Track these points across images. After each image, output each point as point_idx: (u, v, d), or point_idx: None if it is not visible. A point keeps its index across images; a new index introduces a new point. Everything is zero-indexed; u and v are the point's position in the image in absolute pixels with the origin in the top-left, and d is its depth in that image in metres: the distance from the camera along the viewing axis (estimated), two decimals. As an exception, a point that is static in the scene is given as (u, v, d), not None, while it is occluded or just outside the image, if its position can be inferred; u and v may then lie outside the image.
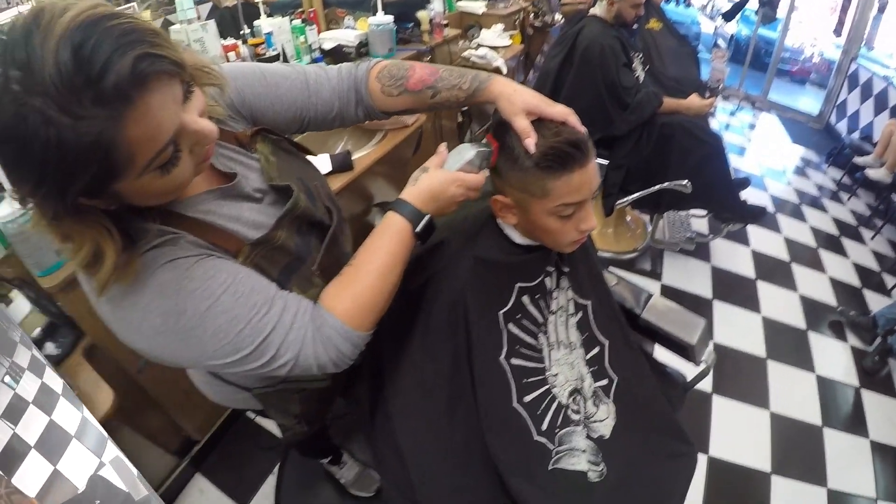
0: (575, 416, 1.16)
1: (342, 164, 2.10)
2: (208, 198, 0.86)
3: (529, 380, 1.13)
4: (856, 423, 2.64)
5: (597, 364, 1.24)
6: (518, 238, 1.13)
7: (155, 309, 0.73)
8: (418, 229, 0.95)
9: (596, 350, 1.25)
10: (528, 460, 1.09)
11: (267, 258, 0.87)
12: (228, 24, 3.09)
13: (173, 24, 2.41)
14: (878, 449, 2.52)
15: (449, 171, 0.97)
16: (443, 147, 1.01)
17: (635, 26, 2.82)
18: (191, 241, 0.79)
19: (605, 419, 1.21)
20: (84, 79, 0.55)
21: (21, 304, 1.46)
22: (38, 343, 1.44)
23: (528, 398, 1.12)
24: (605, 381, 1.24)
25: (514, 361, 1.11)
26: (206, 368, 0.98)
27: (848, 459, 2.44)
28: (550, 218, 1.00)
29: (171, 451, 1.94)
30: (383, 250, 0.92)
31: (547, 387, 1.15)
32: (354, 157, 2.18)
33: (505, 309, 1.11)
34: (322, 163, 2.03)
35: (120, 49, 0.57)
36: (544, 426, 1.13)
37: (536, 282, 1.15)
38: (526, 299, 1.14)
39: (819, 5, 7.28)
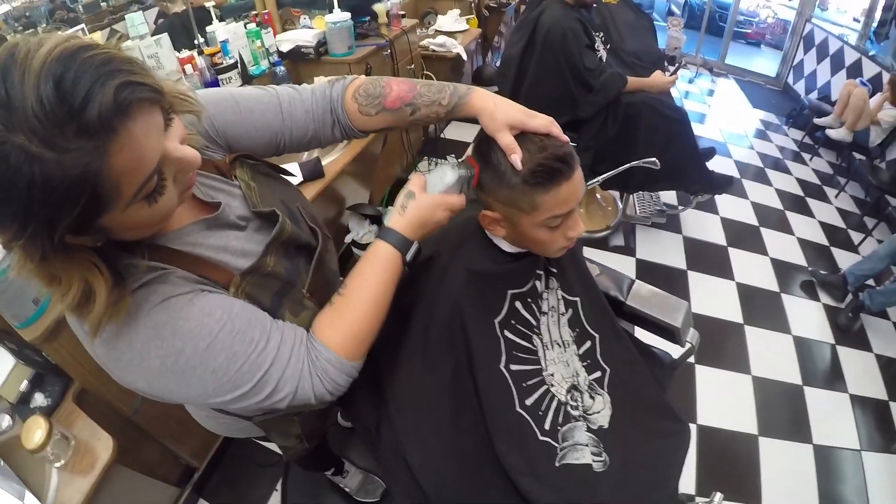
0: (574, 412, 1.18)
1: (313, 171, 2.08)
2: (194, 229, 0.85)
3: (528, 383, 1.14)
4: (834, 378, 2.74)
5: (589, 358, 1.26)
6: (507, 247, 1.14)
7: (152, 350, 0.72)
8: (408, 257, 0.95)
9: (588, 344, 1.27)
10: (536, 460, 1.11)
11: (258, 286, 0.86)
12: (179, 31, 2.99)
13: (124, 38, 2.35)
14: (858, 401, 2.62)
15: (435, 196, 0.97)
16: (422, 168, 1.00)
17: (595, 4, 2.81)
18: (181, 276, 0.78)
19: (601, 410, 1.22)
20: (67, 111, 0.54)
21: (3, 358, 1.42)
22: (27, 396, 1.41)
23: (529, 401, 1.13)
24: (598, 374, 1.26)
25: (513, 367, 1.13)
26: (207, 406, 0.97)
27: (830, 415, 2.54)
28: (540, 229, 1.00)
29: (172, 482, 1.91)
30: (374, 280, 0.92)
31: (545, 387, 1.17)
32: (325, 162, 2.15)
33: (500, 317, 1.12)
34: (292, 172, 2.00)
35: (101, 79, 0.56)
36: (547, 425, 1.14)
37: (528, 287, 1.17)
38: (518, 304, 1.15)
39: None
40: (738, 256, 3.40)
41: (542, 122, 0.94)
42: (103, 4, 4.16)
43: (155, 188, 0.66)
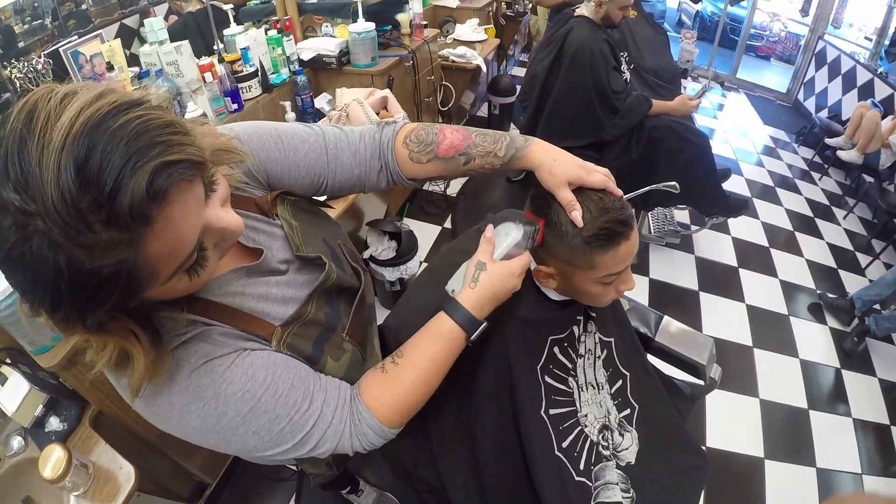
0: (605, 452, 1.20)
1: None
2: (234, 277, 0.82)
3: (565, 425, 1.16)
4: (838, 402, 2.76)
5: (620, 396, 1.28)
6: (554, 295, 1.15)
7: (193, 411, 0.71)
8: (473, 338, 0.92)
9: (619, 383, 1.29)
10: (573, 501, 1.13)
11: (299, 335, 0.85)
12: (193, 32, 2.91)
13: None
14: (861, 426, 2.65)
15: (506, 266, 0.93)
16: (490, 231, 0.97)
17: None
18: (223, 333, 0.76)
19: (630, 446, 1.25)
20: (92, 201, 0.48)
21: (17, 384, 1.40)
22: (41, 421, 1.39)
23: (565, 443, 1.15)
24: (627, 411, 1.28)
25: (553, 411, 1.14)
26: (245, 458, 0.95)
27: (833, 438, 2.56)
28: (594, 285, 1.01)
29: (184, 498, 1.90)
30: (432, 358, 0.90)
31: (580, 428, 1.18)
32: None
33: (541, 363, 1.14)
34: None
35: (132, 161, 0.50)
36: (581, 466, 1.16)
37: (567, 332, 1.18)
38: (556, 350, 1.16)
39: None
40: (748, 278, 3.41)
41: (599, 178, 0.93)
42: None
43: (195, 261, 0.63)
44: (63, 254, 0.49)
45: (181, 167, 0.54)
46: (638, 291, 3.13)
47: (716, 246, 3.63)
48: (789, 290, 3.41)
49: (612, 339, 1.29)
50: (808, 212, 4.30)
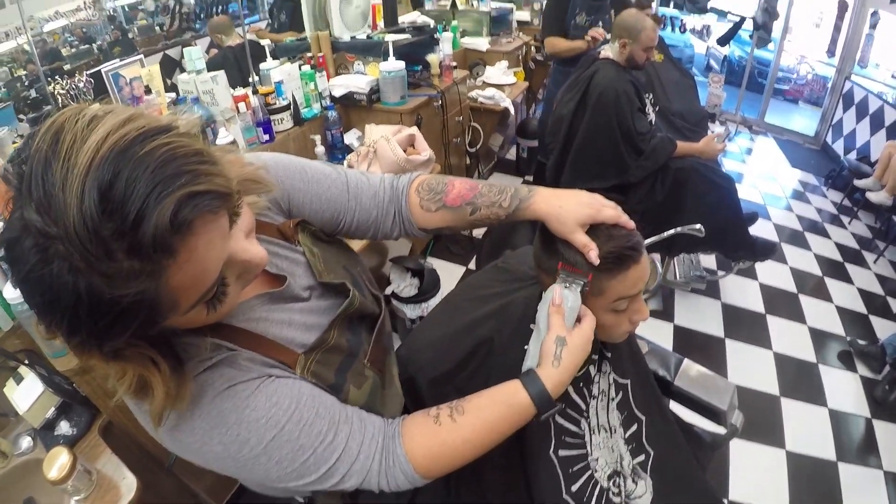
0: (616, 499, 1.17)
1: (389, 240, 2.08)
2: (257, 303, 0.82)
3: (574, 468, 1.13)
4: (868, 454, 2.66)
5: (635, 441, 1.25)
6: None
7: (215, 437, 0.70)
8: (543, 418, 0.89)
9: (634, 427, 1.26)
10: None
11: (322, 363, 0.84)
12: (231, 65, 3.06)
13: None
14: (892, 479, 2.54)
15: (583, 335, 0.91)
16: (559, 298, 0.93)
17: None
18: (248, 359, 0.75)
19: (643, 495, 1.21)
20: (115, 229, 0.48)
21: (32, 385, 1.43)
22: (51, 423, 1.42)
23: (574, 487, 1.12)
24: (642, 457, 1.25)
25: (562, 453, 1.12)
26: (267, 490, 0.93)
27: (863, 492, 2.47)
28: (605, 313, 1.00)
29: (188, 522, 1.89)
30: (493, 426, 0.87)
31: (590, 472, 1.15)
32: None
33: None
34: None
35: (157, 190, 0.49)
36: None
37: (581, 372, 1.16)
38: (570, 389, 1.13)
39: (811, 24, 7.36)
40: (775, 324, 3.34)
41: (610, 213, 0.93)
42: (157, 29, 4.32)
43: (216, 294, 0.62)
44: (83, 280, 0.48)
45: (207, 198, 0.53)
46: (662, 338, 3.09)
47: (742, 292, 3.57)
48: (818, 336, 3.33)
49: (628, 382, 1.26)
50: (837, 256, 4.23)
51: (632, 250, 0.94)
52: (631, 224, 0.95)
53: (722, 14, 7.09)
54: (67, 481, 1.23)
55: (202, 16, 4.22)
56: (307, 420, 0.75)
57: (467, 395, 1.03)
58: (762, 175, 5.50)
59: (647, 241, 2.71)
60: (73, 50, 3.63)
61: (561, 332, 0.91)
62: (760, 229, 4.09)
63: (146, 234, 0.48)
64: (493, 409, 0.87)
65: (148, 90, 2.31)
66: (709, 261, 3.69)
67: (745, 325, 3.30)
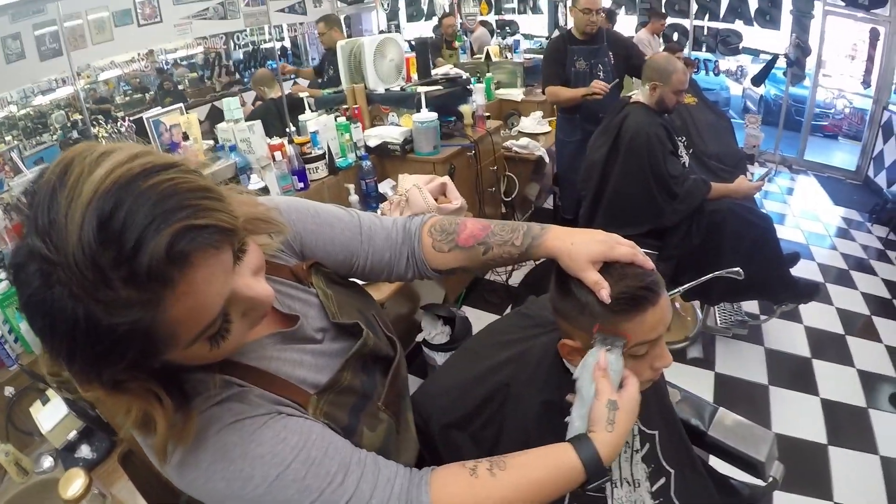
0: None
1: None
2: (269, 342, 0.81)
3: None
4: (923, 503, 2.50)
5: (662, 496, 1.17)
6: None
7: (218, 472, 0.67)
8: (590, 487, 0.82)
9: (662, 481, 1.18)
10: None
11: (335, 404, 0.82)
12: (273, 116, 3.21)
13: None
14: (947, 526, 2.37)
15: (634, 399, 0.88)
16: (604, 361, 0.89)
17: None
18: (259, 395, 0.74)
19: None
20: (113, 258, 0.49)
21: (57, 407, 1.48)
22: (73, 446, 1.46)
23: None
24: None
25: None
26: None
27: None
28: (624, 360, 0.93)
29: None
30: (536, 487, 0.81)
31: None
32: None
33: None
34: None
35: (156, 222, 0.50)
36: None
37: None
38: None
39: (845, 57, 7.28)
40: (822, 369, 3.21)
41: (625, 250, 0.89)
42: (207, 82, 4.54)
43: (218, 331, 0.62)
44: (81, 306, 0.49)
45: (207, 232, 0.54)
46: (702, 387, 2.98)
47: (787, 336, 3.45)
48: (868, 379, 3.18)
49: (655, 433, 1.18)
50: (885, 293, 4.06)
51: (647, 290, 0.89)
52: (649, 263, 0.91)
53: (754, 53, 7.08)
54: (81, 502, 1.25)
55: (242, 68, 4.42)
56: (315, 459, 0.72)
57: (481, 443, 1.01)
58: (804, 214, 5.39)
59: (685, 286, 2.68)
60: (127, 98, 3.85)
61: (612, 395, 0.87)
62: (804, 270, 3.97)
63: (142, 263, 0.49)
64: (539, 470, 0.82)
65: (186, 136, 2.44)
66: (750, 305, 3.58)
67: (789, 371, 3.18)
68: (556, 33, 5.16)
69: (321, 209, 1.00)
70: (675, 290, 2.76)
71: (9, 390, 1.55)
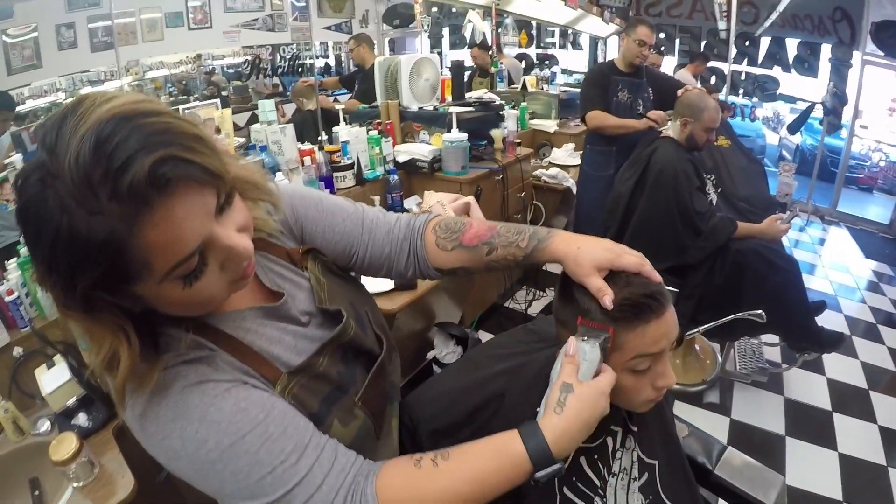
0: None
1: (407, 282, 2.10)
2: (250, 315, 0.82)
3: None
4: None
5: None
6: None
7: (176, 430, 0.68)
8: (539, 477, 0.77)
9: None
10: None
11: (307, 388, 0.80)
12: (309, 126, 3.29)
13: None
14: None
15: (595, 386, 0.82)
16: (573, 348, 0.86)
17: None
18: (226, 361, 0.74)
19: None
20: (102, 173, 0.54)
21: (60, 372, 1.52)
22: (71, 413, 1.49)
23: None
24: None
25: None
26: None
27: None
28: (624, 374, 0.90)
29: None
30: (479, 476, 0.77)
31: None
32: (419, 276, 2.20)
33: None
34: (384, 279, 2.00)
35: (145, 149, 0.55)
36: None
37: (597, 442, 1.03)
38: (584, 460, 1.02)
39: (884, 109, 7.21)
40: (843, 423, 3.11)
41: (632, 259, 0.87)
42: (251, 91, 4.64)
43: (193, 271, 0.64)
44: (66, 216, 0.54)
45: (192, 167, 0.59)
46: (716, 433, 2.86)
47: (808, 387, 3.35)
48: (889, 437, 3.07)
49: (655, 463, 1.11)
50: (913, 351, 3.96)
51: (651, 299, 0.86)
52: (656, 275, 0.89)
53: (791, 100, 7.04)
54: (69, 465, 1.28)
55: (280, 72, 4.53)
56: (272, 436, 0.70)
57: None
58: (834, 266, 5.29)
59: (706, 326, 2.64)
60: (172, 98, 3.96)
61: (569, 379, 0.83)
62: (831, 321, 3.90)
63: (125, 181, 0.54)
64: (481, 459, 0.78)
65: (218, 130, 2.52)
66: (772, 353, 3.50)
67: (808, 423, 3.08)
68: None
69: (325, 198, 1.01)
70: (695, 330, 2.74)
71: (17, 350, 1.59)
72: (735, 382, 3.26)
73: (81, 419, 1.48)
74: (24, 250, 1.67)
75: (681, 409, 2.99)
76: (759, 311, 2.50)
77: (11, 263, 1.67)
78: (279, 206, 0.88)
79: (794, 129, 6.31)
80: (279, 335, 0.84)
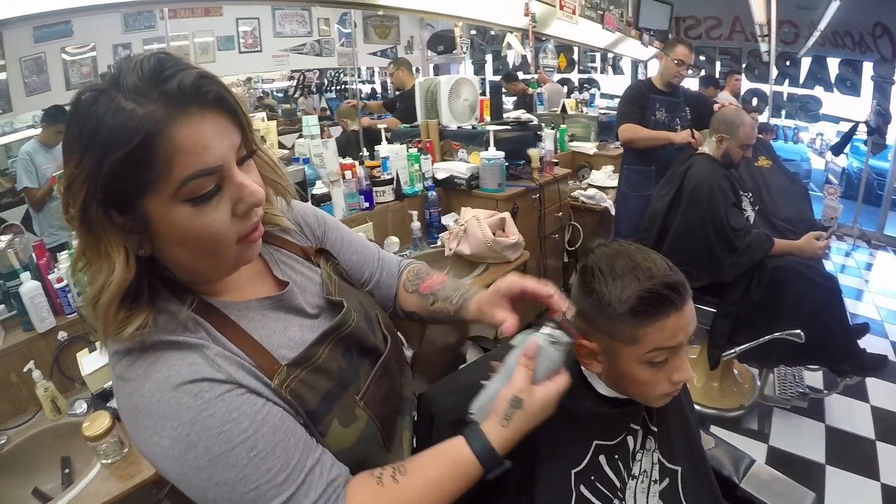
0: None
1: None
2: (256, 305, 0.83)
3: None
4: None
5: None
6: (603, 388, 1.03)
7: (167, 429, 0.67)
8: (490, 476, 0.82)
9: None
10: None
11: (306, 384, 0.79)
12: (353, 146, 3.39)
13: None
14: None
15: (546, 398, 0.84)
16: (532, 351, 0.86)
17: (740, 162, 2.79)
18: (221, 355, 0.73)
19: None
20: (155, 78, 0.63)
21: (100, 357, 1.59)
22: (107, 395, 1.56)
23: None
24: None
25: None
26: None
27: None
28: (640, 366, 0.91)
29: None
30: (437, 486, 0.80)
31: None
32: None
33: (579, 468, 0.98)
34: None
35: (197, 70, 0.66)
36: None
37: (617, 440, 1.02)
38: (603, 459, 1.01)
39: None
40: (886, 453, 2.99)
41: (534, 283, 0.93)
42: (299, 113, 4.79)
43: (206, 194, 0.67)
44: (114, 108, 0.62)
45: (229, 98, 0.69)
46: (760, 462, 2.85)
47: (850, 413, 3.23)
48: (935, 468, 2.98)
49: (678, 469, 1.09)
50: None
51: (673, 291, 0.87)
52: (562, 304, 0.90)
53: (834, 120, 6.91)
54: (100, 441, 1.35)
55: (324, 89, 4.67)
56: (261, 452, 0.70)
57: None
58: (881, 291, 5.13)
59: (742, 347, 2.60)
60: None
61: (522, 392, 0.83)
62: (874, 346, 3.74)
63: (173, 84, 0.63)
64: (436, 469, 0.81)
65: (263, 139, 2.66)
66: (813, 378, 3.40)
67: (850, 452, 2.97)
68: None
69: (347, 232, 1.14)
70: (731, 352, 2.69)
71: (62, 335, 1.69)
72: (774, 408, 3.17)
73: (115, 403, 1.56)
74: (75, 243, 1.76)
75: (717, 434, 2.94)
76: (798, 331, 2.45)
77: (63, 254, 1.79)
78: (290, 198, 0.95)
79: (837, 150, 6.19)
80: (283, 327, 0.85)
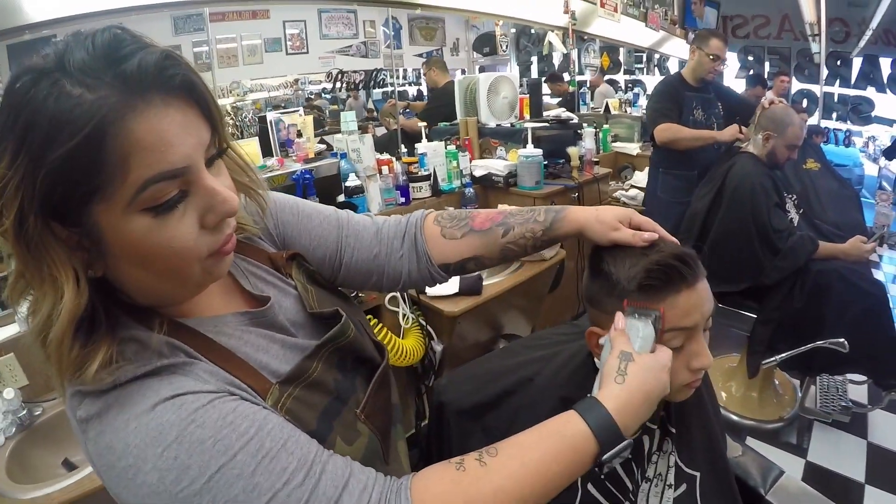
0: None
1: (471, 287, 2.13)
2: (233, 320, 0.71)
3: None
4: None
5: None
6: None
7: (150, 460, 0.53)
8: (607, 458, 0.67)
9: None
10: None
11: (302, 402, 0.69)
12: (394, 144, 3.44)
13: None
14: None
15: (656, 359, 0.76)
16: (621, 322, 0.80)
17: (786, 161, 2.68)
18: (208, 371, 0.62)
19: None
20: (110, 56, 0.51)
21: None
22: None
23: None
24: None
25: None
26: None
27: None
28: None
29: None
30: (538, 463, 0.66)
31: None
32: (486, 282, 2.22)
33: None
34: (450, 282, 1.94)
35: (160, 49, 0.54)
36: None
37: (633, 436, 0.95)
38: None
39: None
40: (932, 473, 2.89)
41: (647, 219, 0.87)
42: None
43: (168, 201, 0.55)
44: (56, 94, 0.49)
45: (198, 85, 0.57)
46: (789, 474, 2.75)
47: (894, 430, 3.05)
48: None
49: (696, 475, 1.02)
50: None
51: (682, 263, 0.82)
52: (673, 238, 0.87)
53: (888, 122, 6.67)
54: None
55: (361, 86, 4.77)
56: (269, 451, 0.57)
57: (492, 433, 0.93)
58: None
59: (784, 355, 2.51)
60: None
61: (626, 348, 0.76)
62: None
63: (132, 65, 0.52)
64: (538, 449, 0.67)
65: (300, 134, 2.78)
66: (857, 393, 3.23)
67: (892, 471, 2.81)
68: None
69: (303, 203, 0.94)
70: (773, 359, 2.60)
71: None
72: (814, 421, 3.04)
73: None
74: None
75: (753, 447, 2.86)
76: (841, 340, 2.35)
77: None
78: (265, 204, 0.81)
79: (891, 154, 5.97)
80: (266, 343, 0.73)
